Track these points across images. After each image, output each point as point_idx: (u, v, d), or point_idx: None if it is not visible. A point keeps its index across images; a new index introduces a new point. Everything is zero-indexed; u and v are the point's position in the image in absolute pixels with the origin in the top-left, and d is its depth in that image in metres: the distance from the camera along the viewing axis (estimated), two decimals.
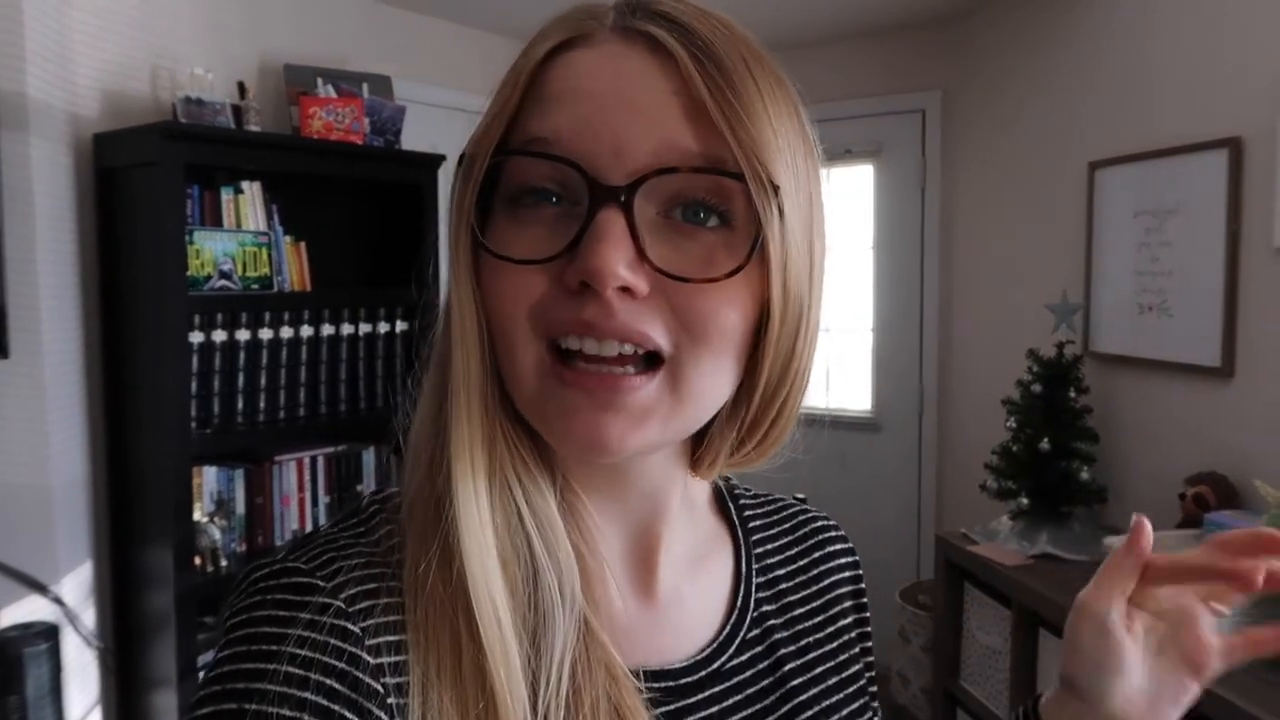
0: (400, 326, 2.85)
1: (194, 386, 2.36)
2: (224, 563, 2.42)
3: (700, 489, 0.61)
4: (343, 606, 0.45)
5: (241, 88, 2.57)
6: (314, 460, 2.72)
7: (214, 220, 2.44)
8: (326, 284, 2.73)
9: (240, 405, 2.48)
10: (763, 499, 0.67)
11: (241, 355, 2.47)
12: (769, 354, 0.48)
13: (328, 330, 2.68)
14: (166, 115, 2.42)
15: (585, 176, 0.44)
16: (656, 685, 0.51)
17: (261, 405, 2.54)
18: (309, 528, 2.69)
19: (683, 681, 0.53)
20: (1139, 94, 2.55)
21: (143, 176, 2.27)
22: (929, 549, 3.32)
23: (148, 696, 2.41)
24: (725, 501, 0.64)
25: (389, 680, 0.45)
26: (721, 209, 0.46)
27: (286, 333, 2.57)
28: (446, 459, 0.47)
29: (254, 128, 2.51)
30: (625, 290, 0.44)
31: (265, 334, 2.52)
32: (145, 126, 2.30)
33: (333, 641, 0.44)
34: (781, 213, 0.45)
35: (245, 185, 2.49)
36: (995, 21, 3.18)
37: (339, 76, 2.76)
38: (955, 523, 3.15)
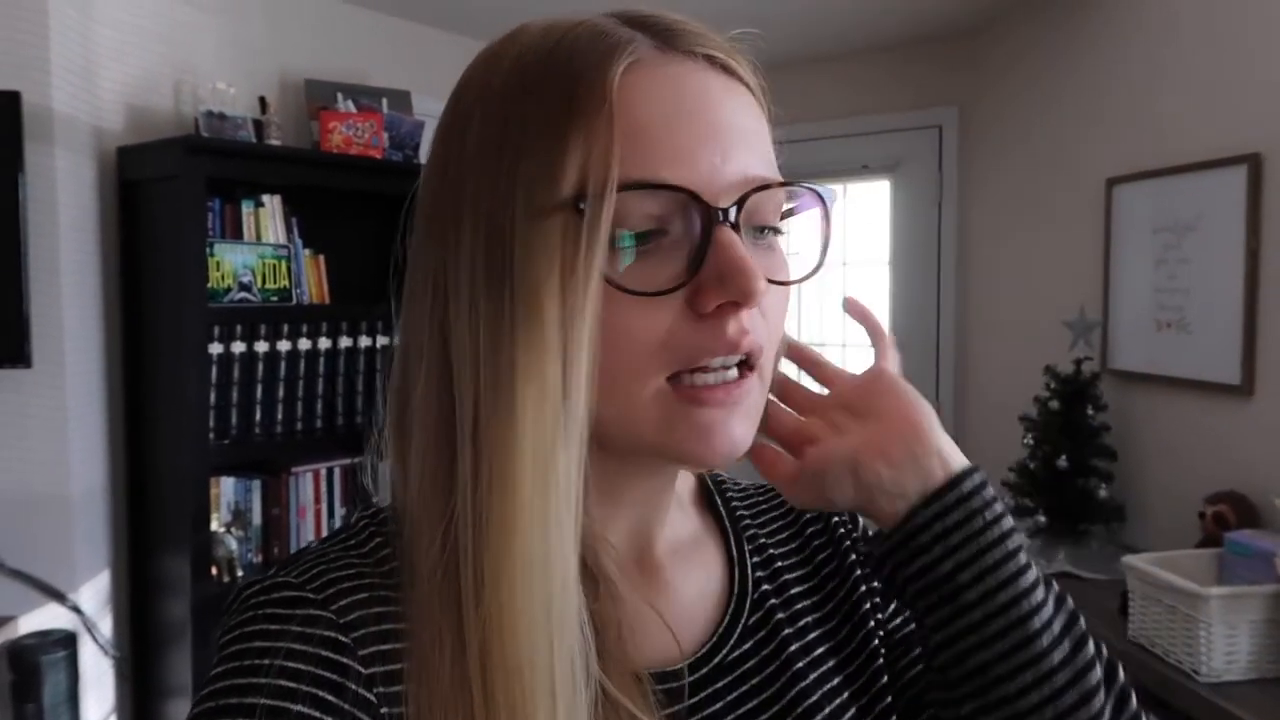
0: None
1: (213, 397, 2.38)
2: (240, 573, 2.43)
3: (685, 484, 0.62)
4: (333, 618, 0.46)
5: (263, 102, 2.61)
6: (330, 472, 2.73)
7: (234, 233, 2.46)
8: (345, 297, 2.75)
9: (258, 416, 2.50)
10: (747, 487, 0.66)
11: (260, 367, 2.49)
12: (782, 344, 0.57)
13: (345, 343, 2.69)
14: (189, 129, 2.45)
15: (699, 203, 0.44)
16: (662, 687, 0.50)
17: (279, 417, 2.55)
18: None
19: (687, 681, 0.53)
20: (1157, 109, 2.54)
21: (165, 189, 2.30)
22: None
23: (163, 705, 2.42)
24: (711, 494, 0.64)
25: (382, 690, 0.45)
26: (776, 222, 0.50)
27: (305, 345, 2.59)
28: (506, 512, 0.44)
29: (275, 142, 2.54)
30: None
31: (284, 346, 2.54)
32: (168, 140, 2.33)
33: (323, 653, 0.44)
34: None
35: (266, 199, 2.51)
36: (1012, 36, 3.18)
37: (359, 92, 2.79)
38: None
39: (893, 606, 0.62)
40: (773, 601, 0.59)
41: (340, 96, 2.73)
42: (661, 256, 0.45)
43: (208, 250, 2.33)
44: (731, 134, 0.46)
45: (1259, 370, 2.20)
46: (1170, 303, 2.48)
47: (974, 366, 3.42)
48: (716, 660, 0.55)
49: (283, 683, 0.43)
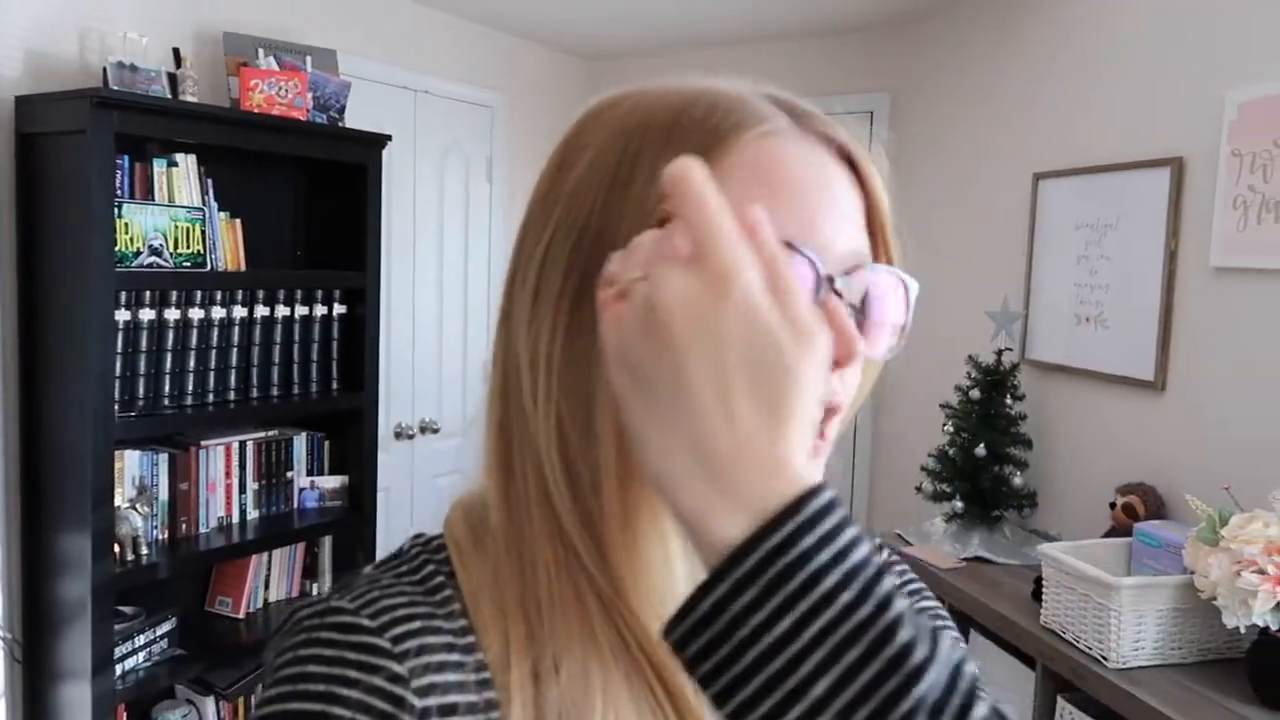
0: (339, 309, 2.77)
1: (119, 367, 2.26)
2: (145, 551, 2.32)
3: None
4: (388, 647, 0.46)
5: (177, 55, 2.46)
6: (243, 445, 2.63)
7: (145, 193, 2.32)
8: (262, 263, 2.64)
9: (168, 388, 2.39)
10: None
11: (170, 336, 2.37)
12: (857, 406, 0.56)
13: (262, 311, 2.59)
14: (95, 80, 2.29)
15: (818, 271, 0.46)
16: None
17: (190, 388, 2.44)
18: (235, 515, 2.61)
19: None
20: (1086, 109, 2.60)
21: (69, 145, 2.15)
22: None
23: (59, 689, 2.31)
24: None
25: None
26: (857, 303, 0.51)
27: (219, 313, 2.48)
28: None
29: (190, 98, 2.40)
30: None
31: (196, 314, 2.42)
32: (73, 92, 2.18)
33: (378, 683, 0.45)
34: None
35: (179, 158, 2.38)
36: (949, 28, 3.21)
37: (281, 48, 2.66)
38: (886, 523, 3.19)
39: None
40: None
41: (261, 52, 2.59)
42: None
43: (115, 211, 2.20)
44: (847, 215, 0.50)
45: (1171, 367, 2.29)
46: (1090, 298, 2.55)
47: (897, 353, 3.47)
48: None
49: (337, 711, 0.43)
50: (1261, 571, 1.64)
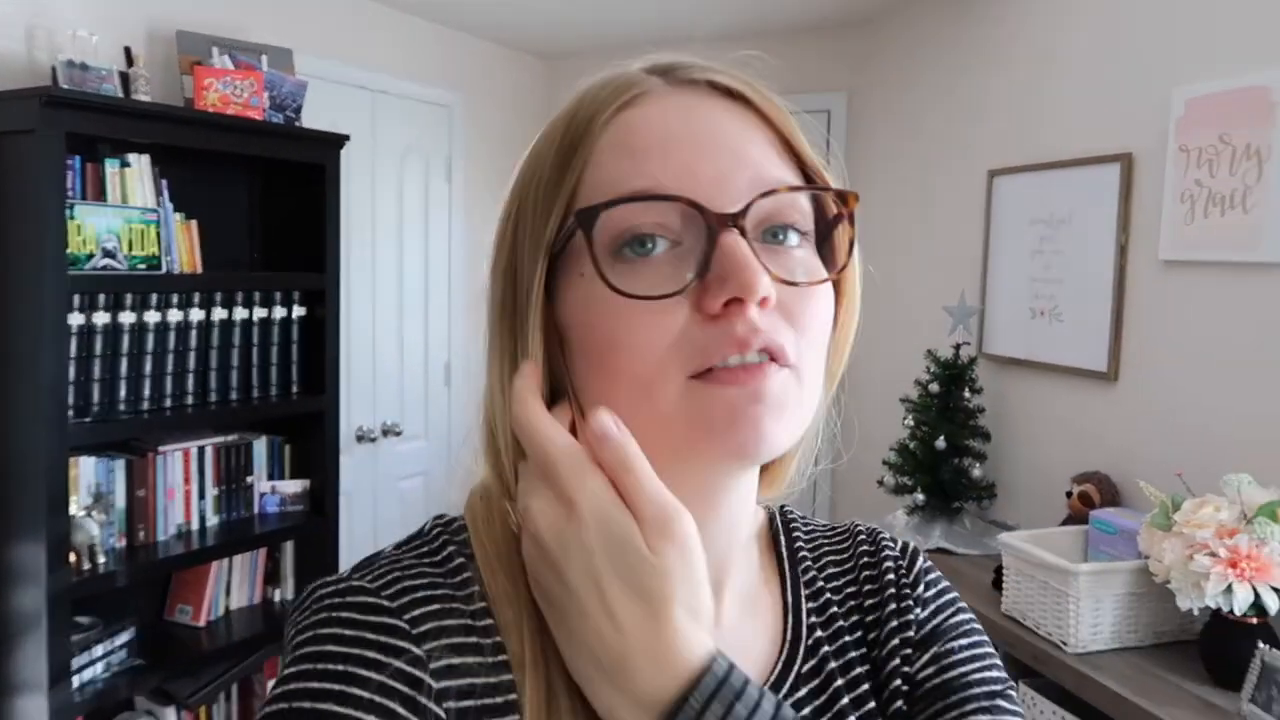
0: (298, 311, 2.73)
1: (72, 372, 2.21)
2: (102, 559, 2.28)
3: (754, 524, 0.60)
4: (407, 628, 0.46)
5: (128, 54, 2.41)
6: (201, 451, 2.59)
7: (97, 194, 2.28)
8: (219, 265, 2.60)
9: (123, 393, 2.34)
10: (815, 526, 0.65)
11: (126, 339, 2.33)
12: (845, 344, 0.56)
13: (220, 314, 2.55)
14: (44, 79, 2.24)
15: (702, 211, 0.46)
16: None
17: (146, 393, 2.40)
18: (195, 521, 2.57)
19: None
20: (1038, 107, 2.65)
21: (18, 145, 2.10)
22: None
23: (15, 702, 2.25)
24: (778, 532, 0.62)
25: (452, 705, 0.45)
26: (800, 227, 0.50)
27: (175, 316, 2.43)
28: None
29: (143, 97, 2.36)
30: (763, 301, 0.46)
31: (152, 317, 2.38)
32: (22, 91, 2.13)
33: (397, 664, 0.45)
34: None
35: (132, 158, 2.33)
36: (903, 28, 3.26)
37: (236, 47, 2.62)
38: (848, 518, 3.23)
39: (926, 657, 0.58)
40: (826, 649, 0.57)
41: (216, 51, 2.56)
42: (674, 265, 0.47)
43: (67, 213, 2.15)
44: (737, 149, 0.49)
45: (1124, 358, 2.34)
46: (1044, 292, 2.60)
47: (858, 349, 3.51)
48: None
49: (356, 691, 0.43)
50: (1213, 555, 1.68)
